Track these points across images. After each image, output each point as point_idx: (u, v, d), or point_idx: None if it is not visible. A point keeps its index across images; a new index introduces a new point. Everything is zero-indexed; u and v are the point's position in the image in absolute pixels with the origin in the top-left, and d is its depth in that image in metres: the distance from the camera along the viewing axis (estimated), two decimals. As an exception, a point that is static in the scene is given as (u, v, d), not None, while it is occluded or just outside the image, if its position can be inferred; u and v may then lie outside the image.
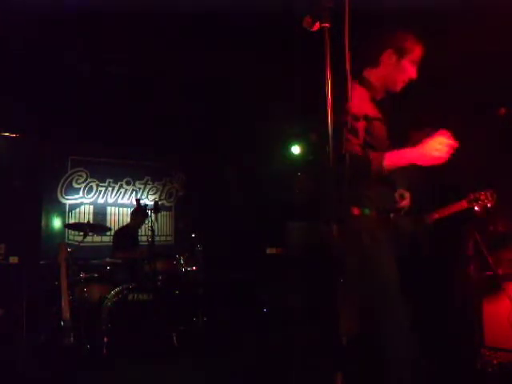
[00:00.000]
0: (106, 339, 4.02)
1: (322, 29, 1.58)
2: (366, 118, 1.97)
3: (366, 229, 2.02)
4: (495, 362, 3.43)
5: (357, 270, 1.99)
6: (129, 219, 5.79)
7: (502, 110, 3.24)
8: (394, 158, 1.92)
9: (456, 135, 2.00)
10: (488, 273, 3.63)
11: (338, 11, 1.57)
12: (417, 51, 2.04)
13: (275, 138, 6.28)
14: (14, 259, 4.18)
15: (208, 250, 5.02)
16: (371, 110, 2.03)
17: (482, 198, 2.96)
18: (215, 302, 4.91)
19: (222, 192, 6.50)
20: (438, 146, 1.86)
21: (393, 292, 1.98)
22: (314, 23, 1.61)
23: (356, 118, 1.90)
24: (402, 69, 2.04)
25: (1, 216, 5.08)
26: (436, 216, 3.03)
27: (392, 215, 2.12)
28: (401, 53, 2.02)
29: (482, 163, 4.20)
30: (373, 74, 2.09)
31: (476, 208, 2.95)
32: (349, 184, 1.95)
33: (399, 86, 2.08)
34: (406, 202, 2.16)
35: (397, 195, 2.17)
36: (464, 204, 3.00)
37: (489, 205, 2.96)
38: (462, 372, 3.46)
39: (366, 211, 2.04)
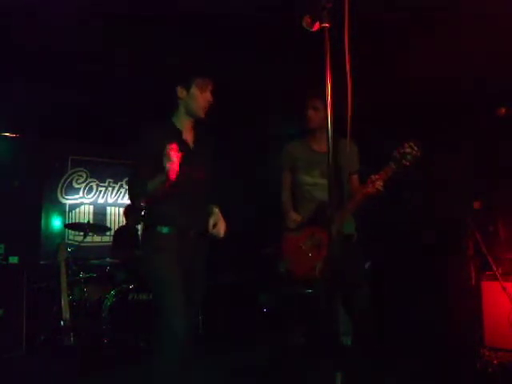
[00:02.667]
0: (105, 339, 4.02)
1: (322, 29, 1.58)
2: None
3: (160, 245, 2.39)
4: (495, 362, 3.43)
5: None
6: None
7: (502, 110, 3.23)
8: (152, 182, 2.24)
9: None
10: (488, 272, 3.64)
11: (337, 11, 1.56)
12: (198, 80, 2.44)
13: (275, 137, 6.28)
14: (13, 259, 4.17)
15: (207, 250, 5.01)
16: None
17: (408, 151, 2.77)
18: (215, 302, 4.91)
19: (221, 192, 6.49)
20: (169, 161, 2.07)
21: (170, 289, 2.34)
22: (313, 23, 1.61)
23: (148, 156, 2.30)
24: (194, 97, 2.43)
25: (1, 216, 5.08)
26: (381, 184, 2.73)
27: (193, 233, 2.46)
28: (187, 86, 2.43)
29: (483, 164, 4.21)
30: (175, 115, 2.51)
31: (408, 164, 2.76)
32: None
33: (201, 112, 2.46)
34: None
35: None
36: (393, 166, 2.72)
37: (418, 154, 2.76)
38: (462, 372, 3.47)
39: (165, 230, 2.40)
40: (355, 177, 3.12)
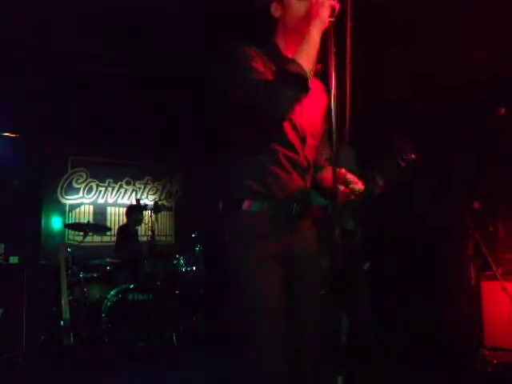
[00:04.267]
0: (105, 339, 4.02)
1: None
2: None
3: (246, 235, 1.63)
4: (495, 361, 3.43)
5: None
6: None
7: (502, 110, 3.23)
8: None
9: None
10: (488, 272, 3.64)
11: (340, 6, 1.55)
12: None
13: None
14: (13, 259, 4.17)
15: (208, 249, 5.01)
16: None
17: (404, 153, 2.80)
18: (215, 302, 4.91)
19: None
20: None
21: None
22: None
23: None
24: (290, 8, 1.73)
25: (1, 216, 5.08)
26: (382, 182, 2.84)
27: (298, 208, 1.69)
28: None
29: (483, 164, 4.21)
30: (278, 40, 1.81)
31: (403, 164, 2.83)
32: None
33: (303, 26, 1.67)
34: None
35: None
36: (389, 166, 2.76)
37: (413, 157, 2.82)
38: (462, 372, 3.47)
39: (256, 206, 1.64)
40: None
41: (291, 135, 1.69)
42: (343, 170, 1.73)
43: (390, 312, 4.37)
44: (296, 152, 1.70)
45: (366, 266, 3.50)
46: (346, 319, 3.21)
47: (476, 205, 3.91)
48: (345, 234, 2.97)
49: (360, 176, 3.14)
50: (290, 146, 1.69)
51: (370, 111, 4.21)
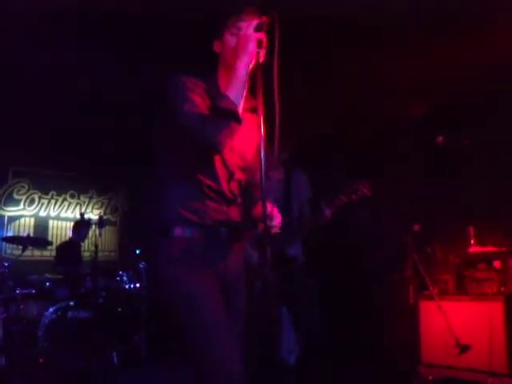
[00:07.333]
0: (41, 360, 3.85)
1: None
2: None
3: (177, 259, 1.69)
4: (430, 378, 3.55)
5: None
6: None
7: (440, 139, 3.39)
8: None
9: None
10: (425, 292, 3.78)
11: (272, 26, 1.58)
12: (230, 21, 1.80)
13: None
14: None
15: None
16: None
17: (359, 188, 3.00)
18: (159, 319, 4.82)
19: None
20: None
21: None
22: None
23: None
24: (225, 44, 1.80)
25: None
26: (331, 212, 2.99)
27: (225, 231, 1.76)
28: (219, 36, 1.83)
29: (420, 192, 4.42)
30: (219, 75, 1.86)
31: (355, 198, 3.05)
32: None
33: (234, 60, 1.66)
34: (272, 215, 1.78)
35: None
36: (343, 199, 2.99)
37: (368, 194, 3.02)
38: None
39: (188, 232, 1.71)
40: (305, 204, 3.30)
41: (219, 169, 1.76)
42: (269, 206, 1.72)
43: (333, 330, 4.44)
44: (221, 185, 1.76)
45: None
46: (294, 335, 3.27)
47: (416, 227, 4.06)
48: (285, 260, 3.05)
49: (311, 203, 3.27)
50: (216, 179, 1.75)
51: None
